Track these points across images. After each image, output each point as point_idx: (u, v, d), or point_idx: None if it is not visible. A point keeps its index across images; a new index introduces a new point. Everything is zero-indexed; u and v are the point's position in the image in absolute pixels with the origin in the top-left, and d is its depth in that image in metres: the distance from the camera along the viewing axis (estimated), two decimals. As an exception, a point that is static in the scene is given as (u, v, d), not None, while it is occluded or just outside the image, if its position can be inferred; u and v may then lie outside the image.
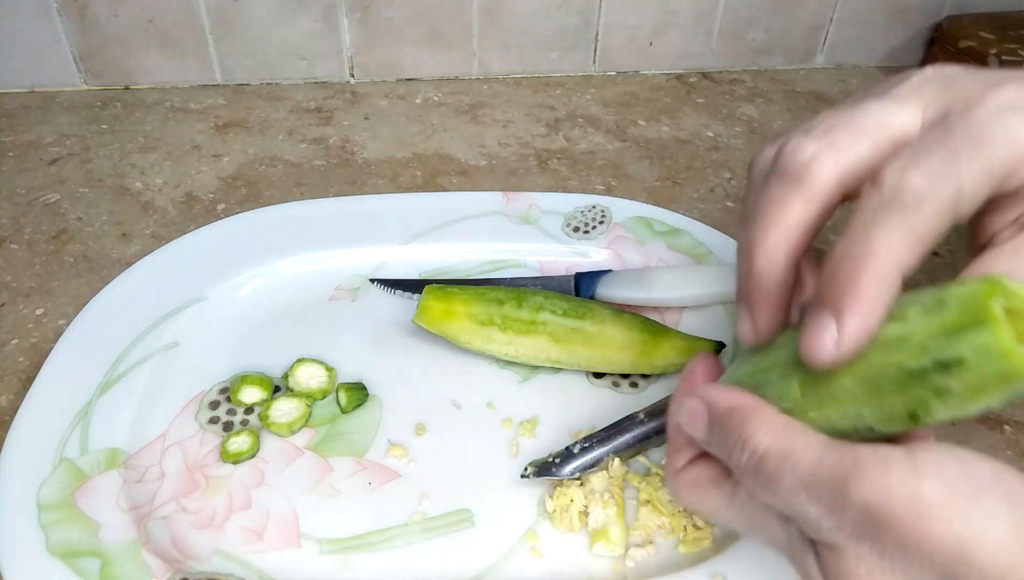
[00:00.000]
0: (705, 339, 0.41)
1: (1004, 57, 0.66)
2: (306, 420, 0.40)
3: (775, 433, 0.24)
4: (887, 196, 0.23)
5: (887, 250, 0.23)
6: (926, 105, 0.26)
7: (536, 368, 0.43)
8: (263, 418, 0.39)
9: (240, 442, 0.38)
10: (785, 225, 0.26)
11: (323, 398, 0.41)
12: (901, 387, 0.23)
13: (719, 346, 0.41)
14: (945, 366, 0.22)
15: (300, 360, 0.42)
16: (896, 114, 0.26)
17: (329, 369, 0.42)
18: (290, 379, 0.41)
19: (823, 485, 0.22)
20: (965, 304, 0.22)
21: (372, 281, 0.48)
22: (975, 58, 0.67)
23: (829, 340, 0.23)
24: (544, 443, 0.39)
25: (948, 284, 0.23)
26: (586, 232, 0.51)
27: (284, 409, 0.40)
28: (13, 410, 0.39)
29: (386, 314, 0.46)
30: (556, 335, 0.40)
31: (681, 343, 0.41)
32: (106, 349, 0.42)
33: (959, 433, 0.40)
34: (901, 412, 0.23)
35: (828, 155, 0.25)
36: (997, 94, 0.24)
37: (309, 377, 0.42)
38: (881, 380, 0.23)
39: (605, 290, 0.45)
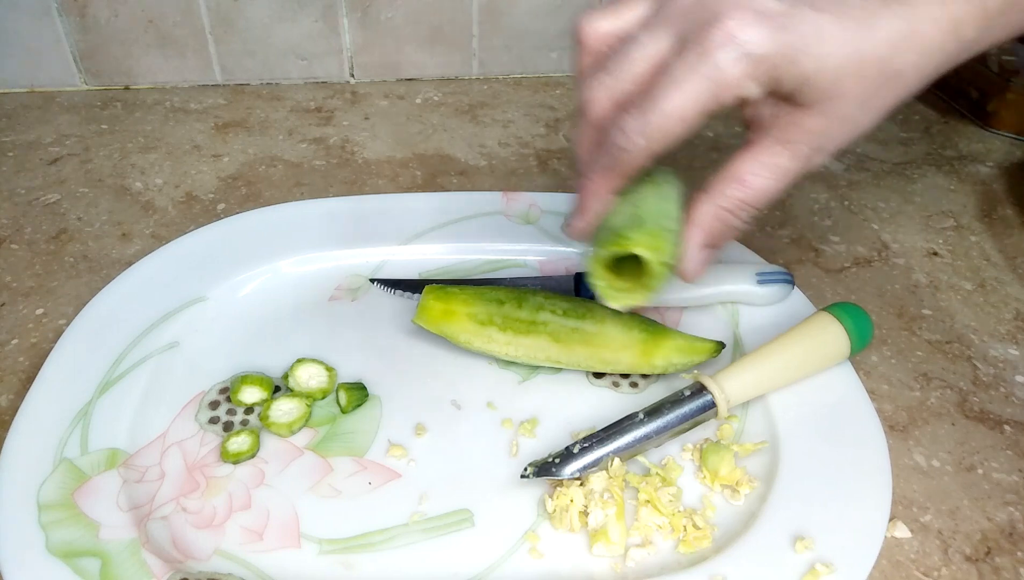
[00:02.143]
0: (705, 339, 0.41)
1: (1004, 56, 0.66)
2: (306, 420, 0.40)
3: None
4: (602, 147, 0.33)
5: (601, 185, 0.33)
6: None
7: (536, 368, 0.43)
8: (263, 418, 0.39)
9: (240, 442, 0.38)
10: (606, 184, 0.34)
11: (323, 398, 0.41)
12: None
13: (719, 346, 0.41)
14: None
15: (300, 360, 0.42)
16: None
17: (329, 369, 0.42)
18: (290, 379, 0.41)
19: None
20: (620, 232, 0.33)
21: (372, 281, 0.48)
22: (975, 57, 0.67)
23: (570, 229, 0.36)
24: (544, 443, 0.39)
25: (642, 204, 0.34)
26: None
27: (284, 409, 0.40)
28: (13, 410, 0.39)
29: (386, 314, 0.46)
30: (556, 335, 0.40)
31: (681, 343, 0.41)
32: (106, 349, 0.42)
33: (958, 434, 0.40)
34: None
35: (643, 146, 0.31)
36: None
37: (309, 377, 0.42)
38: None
39: (605, 290, 0.45)
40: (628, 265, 0.35)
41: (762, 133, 0.32)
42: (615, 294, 0.36)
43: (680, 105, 0.29)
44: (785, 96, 0.30)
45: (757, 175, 0.32)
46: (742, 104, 0.31)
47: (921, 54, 0.30)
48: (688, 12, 0.30)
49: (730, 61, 0.29)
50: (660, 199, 0.35)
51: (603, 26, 0.33)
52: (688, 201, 0.35)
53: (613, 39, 0.33)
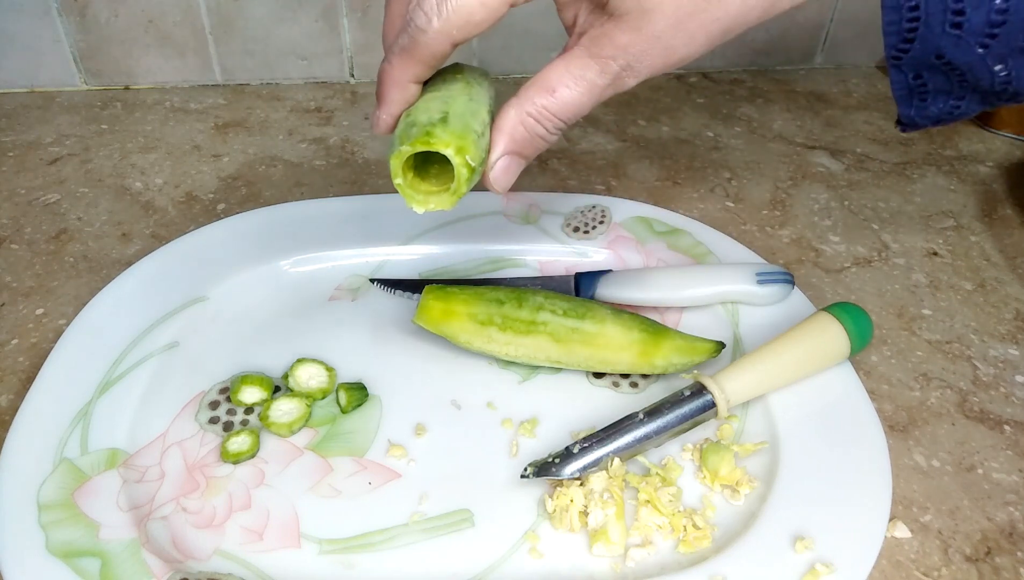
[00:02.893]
0: (705, 339, 0.41)
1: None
2: (306, 420, 0.40)
3: None
4: (402, 28, 0.31)
5: (399, 70, 0.32)
6: None
7: (536, 368, 0.43)
8: (263, 418, 0.39)
9: (240, 442, 0.38)
10: (405, 69, 0.32)
11: (323, 398, 0.41)
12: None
13: (719, 346, 0.41)
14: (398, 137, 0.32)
15: (300, 360, 0.42)
16: None
17: (329, 369, 0.42)
18: (290, 379, 0.41)
19: None
20: (408, 127, 0.32)
21: (372, 281, 0.48)
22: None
23: (374, 120, 0.34)
24: (544, 443, 0.39)
25: (451, 103, 0.32)
26: (586, 232, 0.51)
27: (284, 409, 0.40)
28: (13, 410, 0.39)
29: (386, 314, 0.46)
30: (556, 335, 0.40)
31: (681, 343, 0.41)
32: (106, 349, 0.42)
33: (958, 434, 0.40)
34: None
35: (441, 27, 0.30)
36: None
37: (309, 377, 0.42)
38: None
39: (605, 290, 0.45)
40: (433, 167, 0.33)
41: (576, 42, 0.31)
42: (416, 196, 0.33)
43: None
44: (599, 2, 0.30)
45: (566, 86, 0.31)
46: (557, 2, 0.32)
47: None
48: None
49: None
50: (470, 100, 0.33)
51: None
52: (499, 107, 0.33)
53: None
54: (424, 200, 0.33)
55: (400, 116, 0.33)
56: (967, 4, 0.28)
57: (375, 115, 0.34)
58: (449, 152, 0.31)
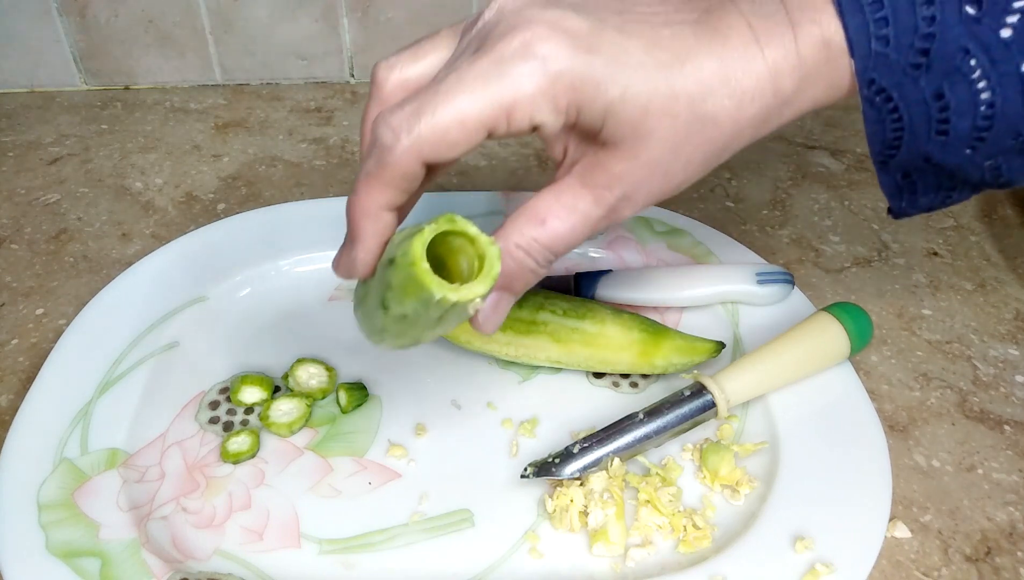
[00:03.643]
0: (705, 339, 0.41)
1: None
2: (306, 420, 0.40)
3: None
4: (368, 150, 0.28)
5: (367, 198, 0.28)
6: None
7: (536, 368, 0.43)
8: (263, 418, 0.39)
9: (240, 442, 0.38)
10: (374, 196, 0.28)
11: (323, 398, 0.41)
12: (380, 280, 0.28)
13: (719, 346, 0.41)
14: (390, 262, 0.27)
15: (300, 360, 0.42)
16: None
17: (329, 369, 0.42)
18: (290, 379, 0.41)
19: None
20: (416, 227, 0.27)
21: (372, 281, 0.48)
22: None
23: (346, 263, 0.30)
24: (544, 443, 0.39)
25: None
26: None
27: (284, 409, 0.40)
28: (13, 410, 0.39)
29: (386, 314, 0.46)
30: (556, 335, 0.40)
31: (681, 343, 0.41)
32: (106, 349, 0.42)
33: (958, 434, 0.40)
34: (380, 301, 0.29)
35: (410, 144, 0.27)
36: (496, 43, 0.26)
37: (309, 377, 0.42)
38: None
39: (605, 290, 0.45)
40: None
41: (567, 172, 0.29)
42: (445, 284, 0.27)
43: (460, 109, 0.26)
44: (589, 132, 0.28)
45: (557, 217, 0.28)
46: (544, 137, 0.29)
47: (736, 99, 0.27)
48: (489, 28, 0.27)
49: (524, 72, 0.25)
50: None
51: (402, 73, 0.30)
52: None
53: (413, 86, 0.30)
54: (456, 288, 0.27)
55: (379, 254, 0.29)
56: (951, 112, 0.27)
57: (348, 258, 0.29)
58: (475, 230, 0.27)
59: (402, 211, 0.31)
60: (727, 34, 0.27)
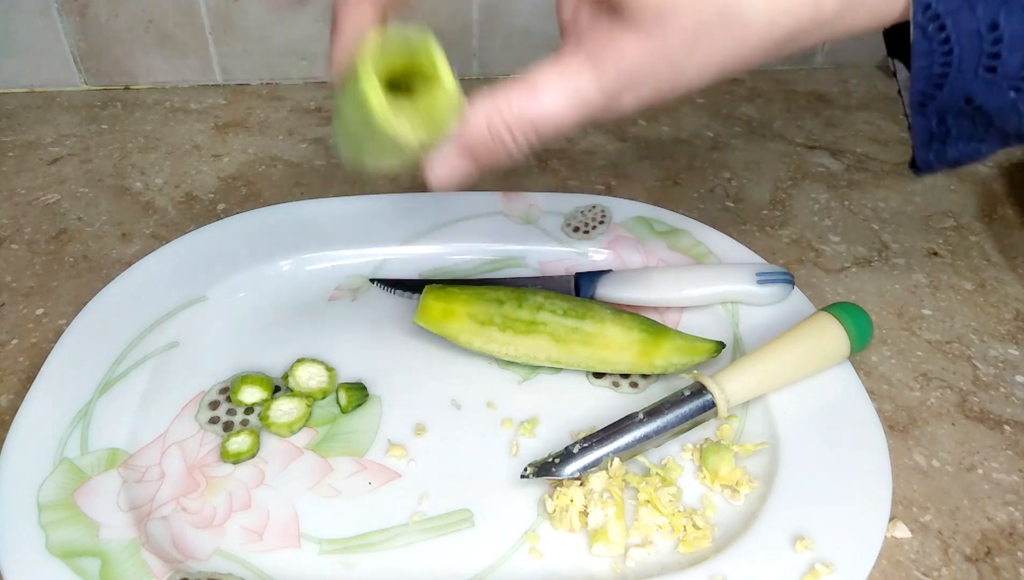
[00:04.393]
0: (705, 339, 0.41)
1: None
2: (306, 420, 0.40)
3: None
4: None
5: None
6: None
7: (536, 368, 0.43)
8: (263, 418, 0.39)
9: (240, 442, 0.38)
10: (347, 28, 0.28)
11: (323, 398, 0.41)
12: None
13: (719, 346, 0.41)
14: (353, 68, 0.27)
15: (300, 360, 0.42)
16: None
17: (329, 369, 0.42)
18: (290, 379, 0.41)
19: None
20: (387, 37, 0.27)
21: (372, 281, 0.48)
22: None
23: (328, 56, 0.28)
24: (544, 443, 0.39)
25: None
26: (586, 232, 0.51)
27: (284, 409, 0.40)
28: (13, 410, 0.39)
29: (386, 314, 0.46)
30: (556, 335, 0.40)
31: (681, 343, 0.41)
32: (106, 349, 0.42)
33: (958, 434, 0.40)
34: (337, 107, 0.28)
35: None
36: None
37: (309, 377, 0.42)
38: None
39: (605, 290, 0.45)
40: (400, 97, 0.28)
41: (574, 44, 0.27)
42: (391, 117, 0.26)
43: None
44: (608, 1, 0.26)
45: (552, 91, 0.27)
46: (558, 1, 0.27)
47: (770, 6, 0.26)
48: None
49: None
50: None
51: None
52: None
53: None
54: (397, 119, 0.26)
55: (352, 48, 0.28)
56: (1003, 46, 0.27)
57: (334, 53, 0.28)
58: (443, 69, 0.25)
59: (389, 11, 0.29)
60: None
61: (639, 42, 0.26)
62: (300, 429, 0.40)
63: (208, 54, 0.68)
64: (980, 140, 0.30)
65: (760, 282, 0.45)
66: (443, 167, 0.28)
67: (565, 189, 0.58)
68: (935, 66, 0.28)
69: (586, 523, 0.35)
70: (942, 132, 0.30)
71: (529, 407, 0.41)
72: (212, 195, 0.57)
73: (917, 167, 0.32)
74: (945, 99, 0.29)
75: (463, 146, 0.28)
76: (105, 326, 0.43)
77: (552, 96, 0.27)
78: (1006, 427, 0.41)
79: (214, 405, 0.41)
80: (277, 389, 0.42)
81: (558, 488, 0.36)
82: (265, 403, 0.40)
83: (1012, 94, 0.28)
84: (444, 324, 0.41)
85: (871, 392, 0.41)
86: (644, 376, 0.43)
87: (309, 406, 0.40)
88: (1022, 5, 0.26)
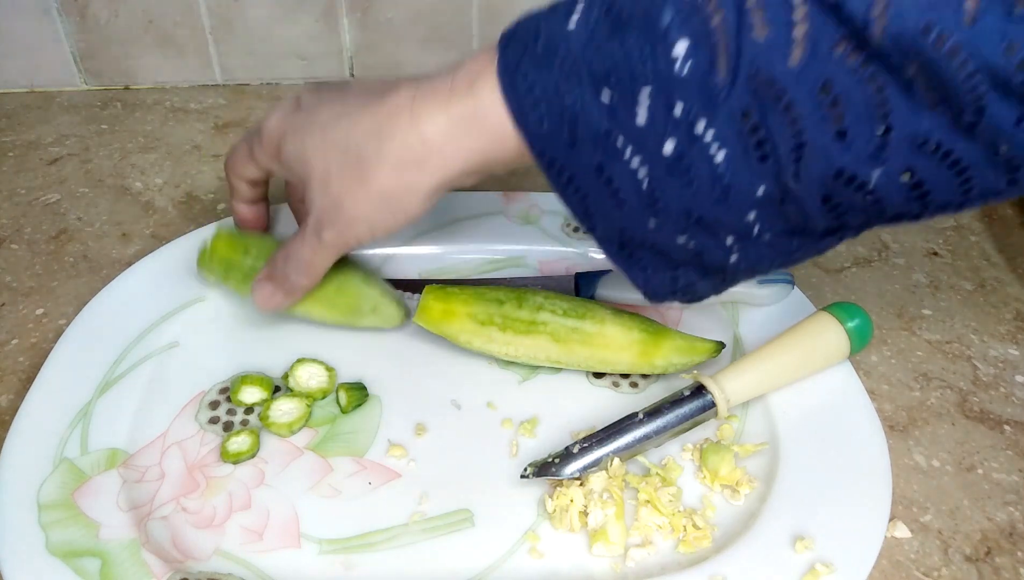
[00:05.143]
0: (705, 339, 0.41)
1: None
2: (306, 420, 0.40)
3: None
4: None
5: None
6: None
7: (536, 368, 0.43)
8: (263, 418, 0.39)
9: (240, 442, 0.38)
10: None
11: (323, 398, 0.41)
12: None
13: (719, 346, 0.41)
14: None
15: (300, 360, 0.42)
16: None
17: (329, 369, 0.42)
18: (290, 379, 0.41)
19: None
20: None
21: (372, 281, 0.48)
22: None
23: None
24: (544, 443, 0.39)
25: None
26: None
27: (284, 409, 0.40)
28: (13, 410, 0.39)
29: (386, 314, 0.46)
30: (556, 335, 0.40)
31: (681, 343, 0.41)
32: (106, 349, 0.42)
33: (958, 434, 0.40)
34: None
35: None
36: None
37: (309, 377, 0.42)
38: None
39: (605, 290, 0.45)
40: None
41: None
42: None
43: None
44: (297, 177, 0.37)
45: (293, 239, 0.39)
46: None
47: (380, 144, 0.33)
48: None
49: (254, 135, 0.39)
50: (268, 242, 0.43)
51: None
52: None
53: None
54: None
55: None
56: (616, 185, 0.30)
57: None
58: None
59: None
60: (387, 101, 0.34)
61: (308, 191, 0.36)
62: (300, 429, 0.40)
63: (208, 54, 0.68)
64: (673, 268, 0.33)
65: (760, 282, 0.45)
66: (257, 293, 0.41)
67: (565, 189, 0.58)
68: (575, 202, 0.33)
69: (586, 523, 0.35)
70: (636, 261, 0.33)
71: (529, 407, 0.41)
72: (212, 195, 0.57)
73: (649, 295, 0.35)
74: (603, 231, 0.33)
75: (267, 273, 0.40)
76: (105, 326, 0.43)
77: (291, 243, 0.39)
78: (1006, 427, 0.41)
79: (214, 405, 0.41)
80: (277, 389, 0.42)
81: (558, 488, 0.36)
82: (265, 403, 0.40)
83: (652, 222, 0.31)
84: (444, 324, 0.41)
85: (871, 392, 0.41)
86: (644, 376, 0.43)
87: (309, 406, 0.40)
88: (614, 154, 0.29)
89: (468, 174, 0.34)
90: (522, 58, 0.30)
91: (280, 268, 0.39)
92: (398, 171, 0.34)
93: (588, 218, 0.32)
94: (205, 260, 0.43)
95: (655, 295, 0.35)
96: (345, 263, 0.42)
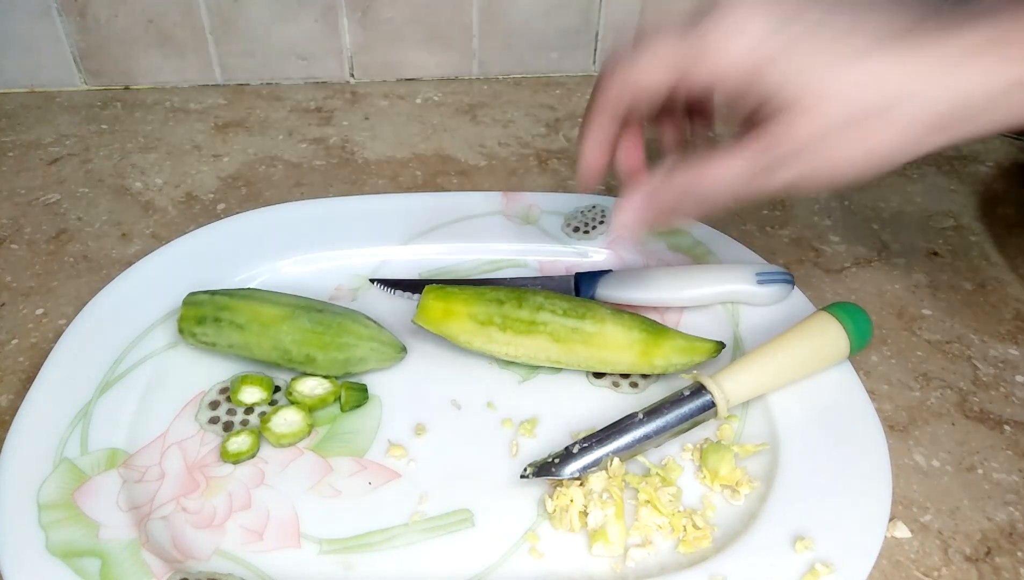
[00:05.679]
0: (705, 339, 0.41)
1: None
2: (303, 437, 0.39)
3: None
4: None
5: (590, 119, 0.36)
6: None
7: (536, 368, 0.43)
8: (264, 429, 0.39)
9: (240, 442, 0.38)
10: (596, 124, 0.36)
11: (324, 408, 0.41)
12: None
13: (719, 346, 0.41)
14: None
15: (304, 374, 0.42)
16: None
17: (332, 379, 0.41)
18: (293, 392, 0.40)
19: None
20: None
21: (372, 281, 0.48)
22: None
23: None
24: (544, 443, 0.39)
25: None
26: (586, 232, 0.51)
27: (287, 419, 0.39)
28: (13, 410, 0.39)
29: (386, 314, 0.46)
30: (556, 335, 0.40)
31: (681, 343, 0.41)
32: (106, 349, 0.42)
33: (958, 434, 0.40)
34: None
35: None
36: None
37: (313, 387, 0.41)
38: None
39: (605, 290, 0.45)
40: None
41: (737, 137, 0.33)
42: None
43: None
44: (761, 104, 0.31)
45: (713, 165, 0.32)
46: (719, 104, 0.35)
47: (918, 97, 0.29)
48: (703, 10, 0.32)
49: (717, 42, 0.31)
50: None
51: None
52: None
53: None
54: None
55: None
56: None
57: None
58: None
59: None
60: (923, 47, 0.29)
61: (782, 126, 0.30)
62: (292, 444, 0.39)
63: (208, 54, 0.68)
64: None
65: (760, 282, 0.45)
66: (629, 212, 0.35)
67: (565, 189, 0.58)
68: None
69: (586, 523, 0.35)
70: None
71: (529, 407, 0.41)
72: (212, 195, 0.57)
73: None
74: None
75: (650, 195, 0.34)
76: (105, 326, 0.43)
77: (716, 168, 0.32)
78: (1006, 427, 0.41)
79: (214, 405, 0.41)
80: (277, 389, 0.42)
81: (558, 488, 0.36)
82: (268, 412, 0.40)
83: None
84: (444, 324, 0.41)
85: (871, 392, 0.41)
86: (644, 376, 0.43)
87: (309, 426, 0.39)
88: None
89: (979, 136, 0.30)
90: None
91: (680, 186, 0.33)
92: (922, 130, 0.30)
93: None
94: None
95: None
96: (340, 320, 0.41)
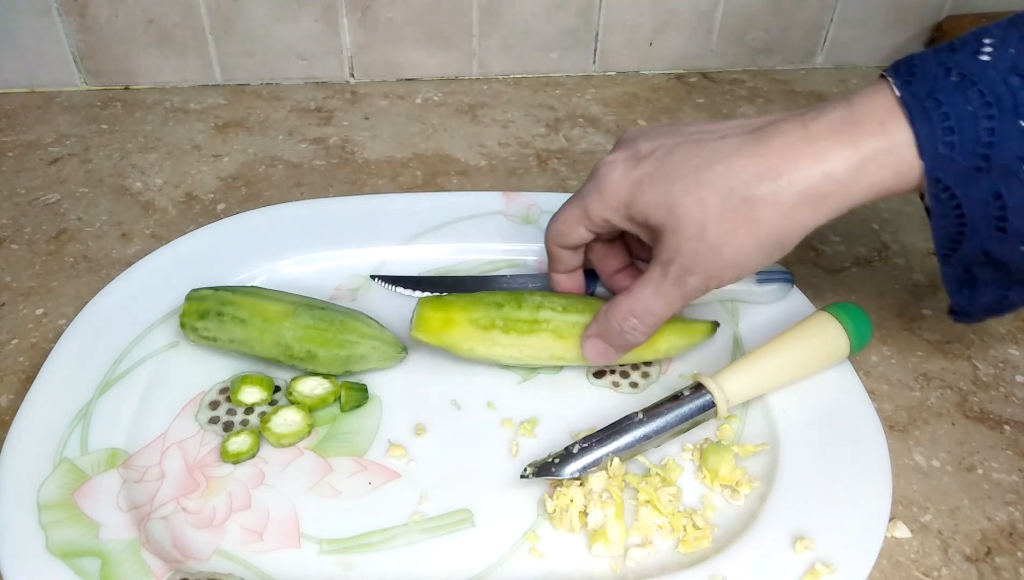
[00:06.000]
0: (699, 320, 0.42)
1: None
2: (303, 437, 0.39)
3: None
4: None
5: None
6: None
7: (536, 368, 0.43)
8: (264, 429, 0.39)
9: (240, 442, 0.38)
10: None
11: (324, 408, 0.41)
12: None
13: (714, 325, 0.42)
14: None
15: (305, 373, 0.42)
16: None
17: (332, 378, 0.41)
18: (293, 392, 0.41)
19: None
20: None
21: (372, 277, 0.48)
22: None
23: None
24: (544, 443, 0.39)
25: None
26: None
27: (288, 420, 0.39)
28: (13, 410, 0.39)
29: (386, 315, 0.46)
30: (559, 331, 0.40)
31: (679, 325, 0.41)
32: (106, 349, 0.42)
33: (958, 434, 0.40)
34: None
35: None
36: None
37: (313, 387, 0.41)
38: None
39: (604, 289, 0.45)
40: None
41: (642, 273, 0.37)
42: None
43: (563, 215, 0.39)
44: (649, 227, 0.35)
45: (635, 293, 0.37)
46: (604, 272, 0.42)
47: (776, 181, 0.32)
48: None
49: (592, 189, 0.37)
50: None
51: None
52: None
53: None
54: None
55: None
56: (1008, 211, 0.30)
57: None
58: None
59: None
60: (771, 139, 0.33)
61: (673, 238, 0.34)
62: (292, 444, 0.39)
63: (208, 54, 0.68)
64: (1007, 287, 0.34)
65: (759, 281, 0.45)
66: (590, 353, 0.39)
67: (565, 189, 0.58)
68: (951, 226, 0.32)
69: (586, 523, 0.35)
70: (969, 279, 0.34)
71: (529, 407, 0.41)
72: (212, 195, 0.57)
73: (955, 313, 0.36)
74: (965, 252, 0.33)
75: (598, 336, 0.39)
76: (105, 326, 0.43)
77: (638, 295, 0.37)
78: (1006, 427, 0.41)
79: (214, 405, 0.41)
80: (277, 389, 0.42)
81: (558, 488, 0.36)
82: (269, 412, 0.40)
83: (1023, 248, 0.31)
84: (444, 334, 0.40)
85: (871, 392, 0.41)
86: (644, 376, 0.43)
87: (310, 426, 0.40)
88: (1019, 180, 0.30)
89: (853, 209, 0.33)
90: (933, 90, 0.31)
91: (617, 324, 0.38)
92: (792, 210, 0.33)
93: (951, 242, 0.33)
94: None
95: (968, 314, 0.35)
96: (339, 322, 0.41)
